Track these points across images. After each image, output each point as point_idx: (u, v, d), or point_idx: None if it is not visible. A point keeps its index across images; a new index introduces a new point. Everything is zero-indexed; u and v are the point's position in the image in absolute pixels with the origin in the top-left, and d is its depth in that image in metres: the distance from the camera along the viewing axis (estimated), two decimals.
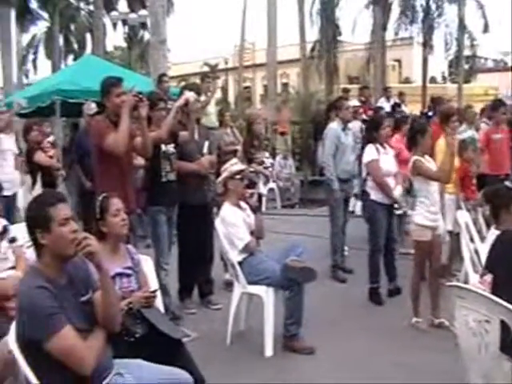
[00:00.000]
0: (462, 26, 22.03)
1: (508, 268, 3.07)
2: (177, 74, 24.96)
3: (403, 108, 11.43)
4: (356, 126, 8.08)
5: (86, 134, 7.05)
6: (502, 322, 2.78)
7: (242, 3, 26.98)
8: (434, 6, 22.80)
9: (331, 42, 25.77)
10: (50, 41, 30.65)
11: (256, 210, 4.83)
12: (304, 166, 13.92)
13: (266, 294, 4.37)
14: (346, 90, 13.02)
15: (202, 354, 3.37)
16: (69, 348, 2.42)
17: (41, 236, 2.51)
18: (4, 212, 3.98)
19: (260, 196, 6.23)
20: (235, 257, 4.48)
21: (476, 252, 4.85)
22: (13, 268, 3.69)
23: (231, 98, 29.04)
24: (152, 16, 11.27)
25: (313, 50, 26.38)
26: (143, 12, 20.27)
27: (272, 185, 10.60)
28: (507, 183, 5.89)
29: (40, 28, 32.38)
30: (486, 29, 22.68)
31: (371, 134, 5.74)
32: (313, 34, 25.87)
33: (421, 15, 23.13)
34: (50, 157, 7.22)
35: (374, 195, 5.53)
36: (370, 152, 5.55)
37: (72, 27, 32.71)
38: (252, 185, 5.64)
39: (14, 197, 6.76)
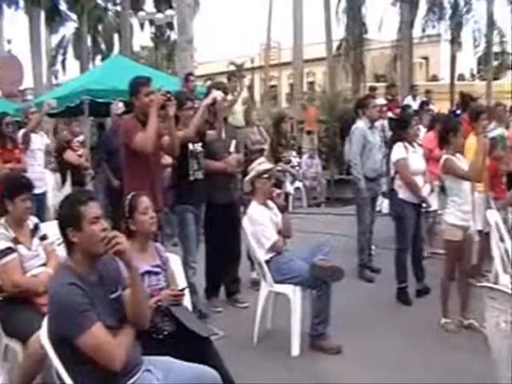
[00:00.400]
0: (490, 22, 21.68)
1: None
2: (203, 73, 25.03)
3: (431, 106, 11.29)
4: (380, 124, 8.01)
5: (113, 133, 7.13)
6: None
7: (268, 2, 26.99)
8: (462, 3, 22.50)
9: (357, 39, 25.61)
10: (79, 41, 31.06)
11: (283, 209, 4.80)
12: (330, 165, 13.86)
13: (293, 293, 4.36)
14: (372, 89, 12.91)
15: (228, 352, 3.36)
16: (99, 344, 2.44)
17: (72, 234, 2.54)
18: (34, 210, 4.04)
19: (287, 195, 6.22)
20: (262, 256, 4.48)
21: (506, 252, 4.78)
22: (44, 265, 3.73)
23: (257, 96, 29.02)
24: (179, 16, 11.34)
25: (339, 48, 26.24)
26: (170, 12, 20.38)
27: (298, 184, 10.58)
28: None
29: (69, 29, 32.86)
30: None
31: (399, 132, 5.68)
32: (339, 32, 25.73)
33: (449, 12, 22.85)
34: (79, 156, 7.33)
35: (402, 194, 5.47)
36: (399, 150, 5.49)
37: (100, 28, 33.10)
38: (279, 184, 5.63)
39: (43, 195, 6.87)
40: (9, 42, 24.44)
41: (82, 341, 2.42)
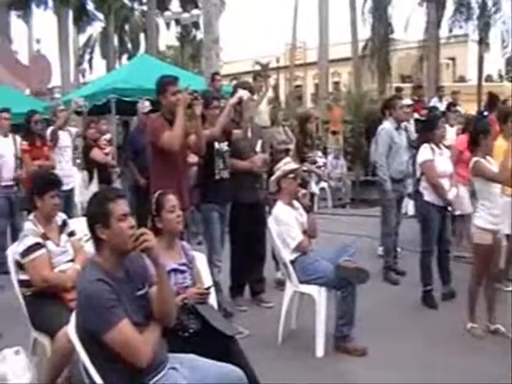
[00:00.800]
0: None
1: None
2: (228, 73, 25.11)
3: (458, 108, 11.14)
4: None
5: (139, 131, 7.19)
6: None
7: (294, 1, 26.94)
8: (490, 3, 22.19)
9: (383, 40, 25.47)
10: (105, 41, 31.42)
11: (309, 209, 4.79)
12: (356, 166, 13.77)
13: (319, 294, 4.34)
14: (398, 89, 12.80)
15: (252, 351, 3.35)
16: (126, 341, 2.46)
17: (100, 231, 2.56)
18: (62, 206, 4.09)
19: (312, 195, 6.20)
20: (288, 256, 4.47)
21: None
22: (71, 261, 3.78)
23: (282, 96, 29.01)
24: (205, 15, 11.39)
25: (365, 48, 26.09)
26: (196, 11, 20.50)
27: (323, 184, 10.55)
28: None
29: (96, 28, 33.29)
30: None
31: (426, 133, 5.62)
32: (365, 32, 25.59)
33: (476, 12, 22.55)
34: (106, 154, 7.39)
35: (428, 196, 5.41)
36: (425, 152, 5.43)
37: (126, 27, 33.44)
38: (304, 184, 5.61)
39: (71, 192, 6.95)
40: (38, 41, 24.84)
41: (109, 336, 2.44)
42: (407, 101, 8.79)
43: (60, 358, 3.33)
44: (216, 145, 4.91)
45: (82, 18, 30.38)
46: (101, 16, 31.09)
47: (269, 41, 75.52)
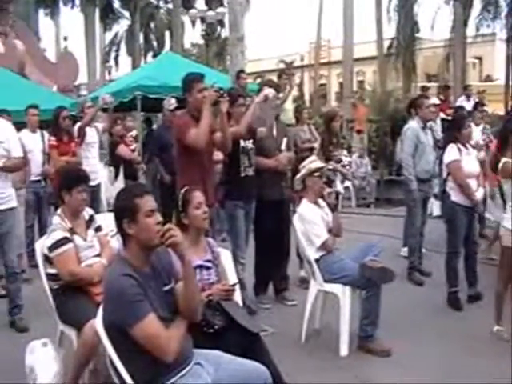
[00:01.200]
0: None
1: None
2: (252, 71, 25.11)
3: (486, 107, 10.99)
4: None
5: (165, 128, 7.23)
6: None
7: (319, 0, 26.82)
8: None
9: (409, 38, 25.27)
10: (131, 38, 31.68)
11: (334, 207, 4.76)
12: (380, 165, 13.67)
13: (343, 293, 4.32)
14: (424, 89, 12.68)
15: (276, 349, 3.34)
16: (152, 335, 2.47)
17: (127, 226, 2.58)
18: (88, 202, 4.14)
19: (337, 194, 6.17)
20: (312, 254, 4.46)
21: None
22: (98, 256, 3.81)
23: (306, 95, 28.97)
24: (230, 13, 11.38)
25: (390, 47, 25.91)
26: (221, 9, 20.51)
27: (348, 183, 10.50)
28: None
29: (122, 26, 33.60)
30: None
31: (453, 133, 5.55)
32: (390, 30, 25.40)
33: (504, 10, 22.21)
34: (132, 150, 7.45)
35: (455, 196, 5.34)
36: (452, 152, 5.36)
37: (152, 25, 33.67)
38: (329, 182, 5.59)
39: (98, 187, 7.02)
40: (65, 39, 25.15)
41: (135, 330, 2.45)
42: (434, 100, 8.71)
43: (86, 351, 3.36)
44: (241, 142, 4.91)
45: (109, 16, 30.72)
46: (127, 14, 31.39)
47: (293, 39, 75.31)
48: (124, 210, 2.60)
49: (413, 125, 6.20)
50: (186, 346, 2.66)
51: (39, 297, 4.11)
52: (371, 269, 4.20)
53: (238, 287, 3.46)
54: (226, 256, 3.66)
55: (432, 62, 28.30)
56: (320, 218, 4.54)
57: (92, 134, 7.26)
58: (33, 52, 19.54)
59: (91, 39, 27.27)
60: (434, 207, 8.39)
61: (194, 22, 26.44)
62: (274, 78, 8.00)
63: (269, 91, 5.08)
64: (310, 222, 4.49)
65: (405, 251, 6.53)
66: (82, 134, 7.04)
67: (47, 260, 3.71)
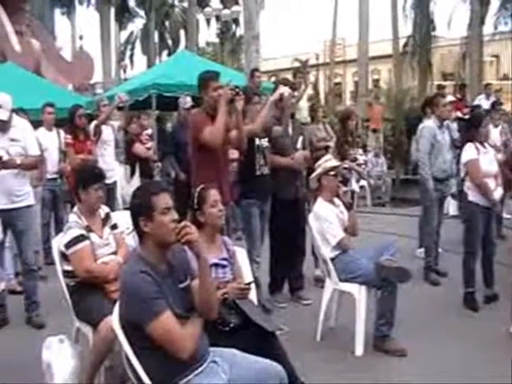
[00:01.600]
0: None
1: None
2: (267, 69, 25.11)
3: (503, 106, 10.89)
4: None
5: (181, 126, 7.25)
6: None
7: None
8: None
9: (425, 37, 25.11)
10: (146, 37, 31.84)
11: (349, 206, 4.75)
12: (396, 165, 13.56)
13: (359, 293, 4.30)
14: (440, 87, 12.59)
15: (291, 348, 3.34)
16: (168, 332, 2.48)
17: (143, 223, 2.59)
18: (104, 200, 4.16)
19: (353, 193, 6.15)
20: (328, 253, 4.44)
21: None
22: (114, 253, 3.83)
23: (321, 93, 28.85)
24: (246, 11, 11.42)
25: (406, 45, 25.75)
26: (236, 8, 20.54)
27: (363, 182, 10.46)
28: None
29: (137, 25, 33.80)
30: None
31: (471, 132, 5.50)
32: (406, 29, 25.24)
33: None
34: (148, 148, 7.48)
35: (472, 196, 5.29)
36: (470, 151, 5.32)
37: (167, 24, 33.79)
38: (345, 181, 5.57)
39: (113, 185, 7.05)
40: (81, 38, 25.31)
41: (151, 328, 2.46)
42: (450, 97, 8.66)
43: (102, 348, 3.38)
44: (256, 141, 4.91)
45: (124, 15, 30.91)
46: (142, 13, 31.56)
47: (308, 37, 75.12)
48: (140, 208, 2.61)
49: (429, 124, 6.16)
50: (202, 344, 2.66)
51: (55, 294, 4.14)
52: (387, 268, 4.18)
53: (253, 286, 3.46)
54: (241, 254, 3.66)
55: (448, 60, 28.10)
56: (335, 217, 4.53)
57: (108, 133, 7.30)
58: (48, 51, 19.70)
59: (106, 38, 27.46)
60: (451, 207, 8.34)
61: (208, 21, 26.56)
62: (289, 76, 8.01)
63: (284, 90, 5.07)
64: (325, 220, 4.47)
65: (421, 252, 6.49)
66: (98, 132, 7.08)
67: (64, 257, 3.73)
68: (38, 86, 12.06)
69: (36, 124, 6.29)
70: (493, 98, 11.22)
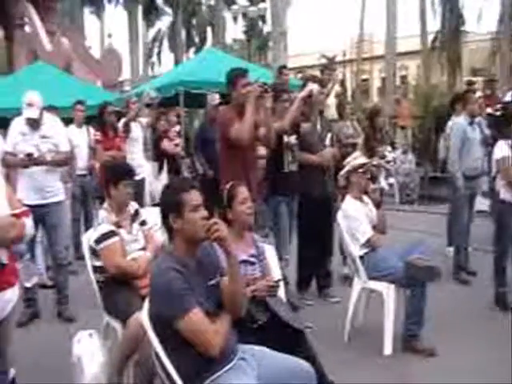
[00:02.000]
0: None
1: None
2: (294, 66, 25.02)
3: None
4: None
5: (208, 123, 7.27)
6: None
7: None
8: None
9: (454, 32, 24.72)
10: (173, 35, 31.98)
11: (378, 204, 4.70)
12: (424, 162, 13.38)
13: (387, 291, 4.25)
14: (470, 83, 12.34)
15: (319, 346, 3.30)
16: (197, 329, 2.47)
17: (173, 221, 2.58)
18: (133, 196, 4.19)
19: (381, 191, 6.09)
20: (356, 251, 4.40)
21: None
22: (143, 249, 3.84)
23: (348, 90, 28.65)
24: (273, 8, 11.37)
25: (434, 40, 25.39)
26: (263, 5, 20.51)
27: (391, 180, 10.36)
28: None
29: (164, 23, 33.96)
30: None
31: (503, 129, 5.39)
32: (434, 24, 24.90)
33: None
34: (176, 145, 7.50)
35: (504, 195, 5.18)
36: (502, 148, 5.21)
37: (194, 21, 33.87)
38: (373, 179, 5.51)
39: (141, 182, 7.10)
40: (109, 36, 25.53)
41: (180, 324, 2.46)
42: (478, 93, 8.48)
43: (131, 343, 3.40)
44: (285, 138, 4.89)
45: (151, 13, 31.10)
46: (169, 11, 31.70)
47: (335, 34, 74.52)
48: (170, 205, 2.61)
49: (459, 120, 6.07)
50: (231, 341, 2.64)
51: (85, 288, 4.19)
52: (417, 267, 4.12)
53: (282, 283, 3.44)
54: (270, 252, 3.64)
55: (478, 55, 27.62)
56: (364, 215, 4.48)
57: (136, 130, 7.35)
58: (78, 49, 19.93)
59: (134, 36, 27.68)
60: (477, 202, 8.18)
61: (235, 18, 26.55)
62: (316, 73, 7.96)
63: (313, 86, 5.04)
64: (354, 218, 4.43)
65: (450, 250, 6.40)
66: (127, 129, 7.13)
67: (94, 253, 3.76)
68: (68, 84, 12.20)
69: (66, 121, 6.37)
70: None
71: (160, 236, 3.94)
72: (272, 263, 3.55)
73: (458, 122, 6.08)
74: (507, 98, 10.99)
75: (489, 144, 6.51)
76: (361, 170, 4.59)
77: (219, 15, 24.98)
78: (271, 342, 2.85)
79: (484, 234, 6.31)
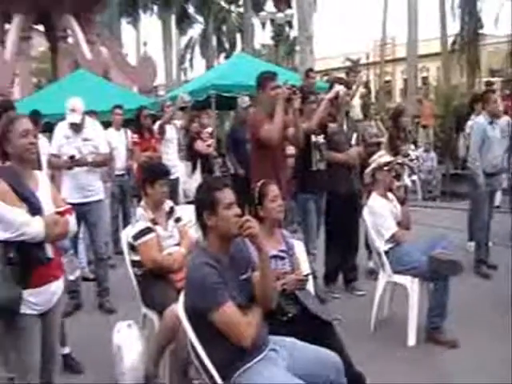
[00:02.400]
0: None
1: None
2: (319, 69, 24.89)
3: None
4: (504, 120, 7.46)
5: (239, 125, 7.25)
6: None
7: None
8: None
9: (473, 35, 24.28)
10: (205, 41, 32.13)
11: (403, 201, 4.62)
12: (446, 159, 13.21)
13: (412, 285, 4.18)
14: (489, 84, 12.12)
15: (346, 338, 3.25)
16: (230, 321, 2.46)
17: (207, 218, 2.57)
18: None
19: (405, 188, 5.99)
20: (382, 246, 4.33)
21: None
22: (177, 245, 3.84)
23: (372, 91, 28.36)
24: (300, 13, 11.30)
25: (454, 43, 24.97)
26: (289, 11, 20.40)
27: (414, 177, 10.24)
28: None
29: (196, 30, 34.08)
30: None
31: None
32: (454, 27, 24.48)
33: None
34: (208, 146, 7.51)
35: None
36: None
37: (224, 28, 33.94)
38: (397, 176, 5.43)
39: (176, 181, 7.12)
40: (145, 44, 25.69)
41: (214, 317, 2.44)
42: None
43: (167, 334, 3.40)
44: (313, 137, 4.85)
45: (184, 22, 31.26)
46: (200, 19, 31.82)
47: (359, 37, 73.92)
48: (204, 203, 2.59)
49: (480, 120, 5.94)
50: (262, 333, 2.62)
51: (124, 281, 4.21)
52: (440, 261, 4.05)
53: (310, 277, 3.40)
54: (299, 247, 3.61)
55: (496, 57, 27.06)
56: (389, 211, 4.41)
57: (171, 131, 7.37)
58: (116, 57, 20.16)
59: (168, 43, 27.89)
60: (497, 197, 8.00)
61: (263, 24, 26.47)
62: (341, 75, 7.89)
63: (340, 88, 4.99)
64: (379, 215, 4.37)
65: (471, 246, 6.27)
66: (162, 131, 7.16)
67: (132, 248, 3.78)
68: (107, 90, 12.34)
69: (105, 125, 6.42)
70: None
71: (194, 232, 3.94)
72: (301, 258, 3.52)
73: (478, 121, 5.96)
74: None
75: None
76: (386, 168, 4.53)
77: (248, 22, 24.94)
78: (301, 334, 2.82)
79: (501, 229, 6.17)
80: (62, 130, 5.06)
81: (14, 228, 2.53)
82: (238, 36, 32.67)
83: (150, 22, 41.40)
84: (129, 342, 3.56)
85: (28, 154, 2.71)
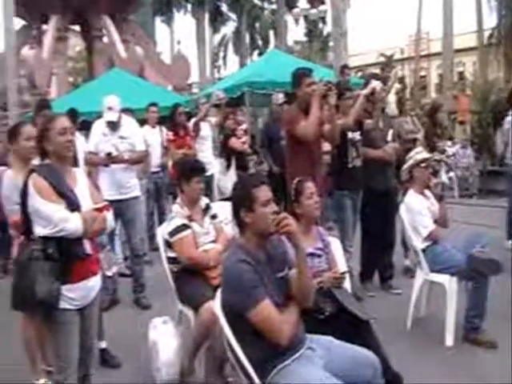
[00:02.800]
0: None
1: None
2: (354, 65, 24.65)
3: None
4: None
5: (274, 122, 7.22)
6: None
7: None
8: None
9: (510, 28, 23.59)
10: (238, 39, 32.18)
11: (440, 198, 4.51)
12: (483, 156, 12.91)
13: (450, 284, 4.07)
14: None
15: (382, 336, 3.20)
16: (267, 319, 2.43)
17: (244, 215, 2.55)
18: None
19: (442, 185, 5.88)
20: (419, 244, 4.24)
21: None
22: (213, 242, 3.83)
23: (407, 87, 27.93)
24: (333, 9, 11.19)
25: (491, 37, 24.35)
26: (323, 7, 20.23)
27: (451, 174, 10.05)
28: None
29: (229, 28, 34.18)
30: None
31: None
32: (491, 20, 23.88)
33: None
34: (243, 143, 7.50)
35: None
36: None
37: (257, 26, 33.94)
38: (434, 173, 5.32)
39: (211, 177, 7.14)
40: (178, 42, 25.92)
41: (251, 314, 2.43)
42: None
43: (203, 330, 3.40)
44: (349, 134, 4.79)
45: (217, 20, 31.39)
46: (233, 16, 31.90)
47: (393, 32, 72.68)
48: (241, 200, 2.57)
49: None
50: (299, 331, 2.60)
51: (160, 278, 4.22)
52: (479, 260, 3.94)
53: (347, 275, 3.36)
54: (335, 245, 3.57)
55: None
56: (426, 209, 4.31)
57: (206, 129, 7.38)
58: (150, 56, 20.39)
59: (202, 41, 28.00)
60: None
61: (297, 21, 26.37)
62: (375, 71, 7.77)
63: (376, 84, 4.91)
64: (416, 212, 4.27)
65: (510, 244, 6.10)
66: (197, 128, 7.17)
67: (168, 245, 3.78)
68: (142, 88, 12.46)
69: (141, 122, 6.47)
70: None
71: (230, 229, 3.93)
72: (337, 256, 3.48)
73: None
74: None
75: None
76: (423, 165, 4.43)
77: (281, 19, 24.87)
78: (338, 333, 2.79)
79: None
80: (99, 127, 5.11)
81: (53, 224, 2.56)
82: (271, 33, 32.62)
83: (184, 21, 41.76)
84: (164, 337, 3.57)
85: (66, 151, 2.74)
